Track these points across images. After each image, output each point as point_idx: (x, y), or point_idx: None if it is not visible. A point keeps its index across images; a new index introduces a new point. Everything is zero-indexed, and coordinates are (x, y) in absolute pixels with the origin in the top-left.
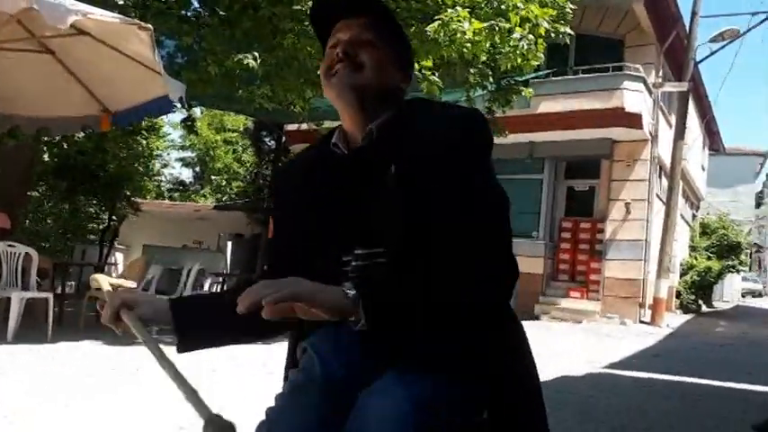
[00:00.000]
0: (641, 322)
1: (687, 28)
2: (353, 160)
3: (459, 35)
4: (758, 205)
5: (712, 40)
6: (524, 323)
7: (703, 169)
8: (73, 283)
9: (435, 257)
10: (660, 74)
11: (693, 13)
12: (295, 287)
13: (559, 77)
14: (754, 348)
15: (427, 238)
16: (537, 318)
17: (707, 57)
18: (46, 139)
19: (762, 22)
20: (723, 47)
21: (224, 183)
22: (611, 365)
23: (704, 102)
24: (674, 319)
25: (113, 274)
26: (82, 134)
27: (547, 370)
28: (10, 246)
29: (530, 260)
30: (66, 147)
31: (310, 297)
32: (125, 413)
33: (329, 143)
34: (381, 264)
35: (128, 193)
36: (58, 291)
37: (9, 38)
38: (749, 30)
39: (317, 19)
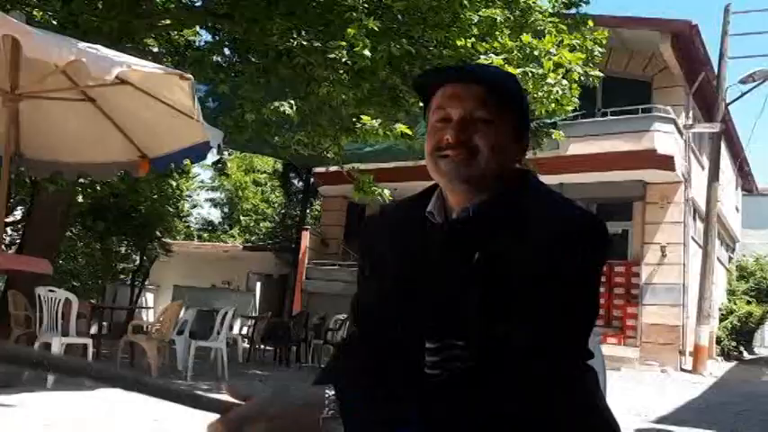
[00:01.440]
0: (682, 370)
1: (716, 69)
2: (446, 236)
3: None
4: None
5: (742, 81)
6: None
7: (737, 210)
8: (105, 323)
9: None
10: (690, 115)
11: (721, 55)
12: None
13: (588, 119)
14: None
15: (501, 338)
16: None
17: (737, 98)
18: (81, 180)
19: None
20: (754, 87)
21: (252, 223)
22: (661, 419)
23: (736, 142)
24: (717, 367)
25: (145, 317)
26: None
27: None
28: (51, 291)
29: None
30: (99, 189)
31: None
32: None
33: (422, 204)
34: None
35: (159, 234)
36: (93, 332)
37: (53, 87)
38: None
39: (420, 87)
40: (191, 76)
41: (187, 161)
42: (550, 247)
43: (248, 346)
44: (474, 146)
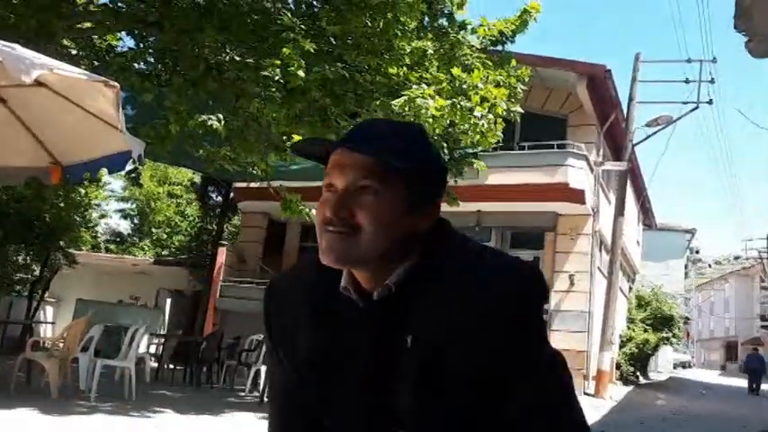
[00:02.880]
0: (585, 394)
1: (625, 111)
2: (367, 318)
3: (423, 111)
4: (685, 277)
5: (648, 125)
6: None
7: (638, 244)
8: None
9: None
10: (600, 153)
11: (630, 99)
12: None
13: (507, 152)
14: (697, 423)
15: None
16: None
17: (643, 140)
18: None
19: (692, 110)
20: (658, 131)
21: (165, 236)
22: None
23: (639, 180)
24: (616, 391)
25: (42, 333)
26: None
27: None
28: None
29: None
30: None
31: None
32: None
33: (327, 276)
34: None
35: (63, 244)
36: None
37: None
38: (681, 117)
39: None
40: (117, 84)
41: (103, 170)
42: (488, 304)
43: (156, 365)
44: (356, 223)
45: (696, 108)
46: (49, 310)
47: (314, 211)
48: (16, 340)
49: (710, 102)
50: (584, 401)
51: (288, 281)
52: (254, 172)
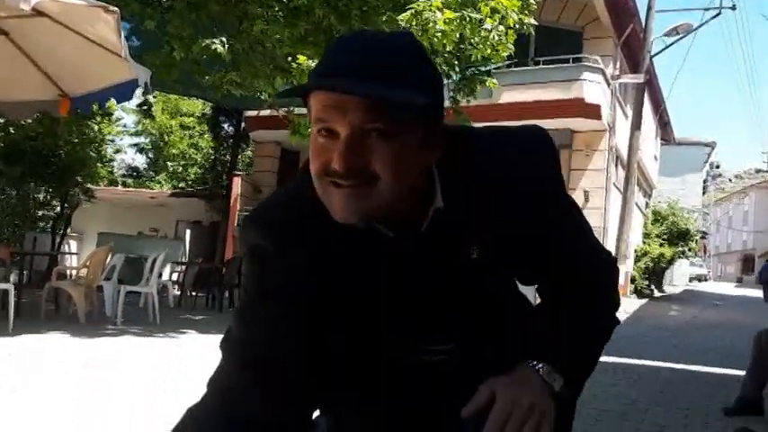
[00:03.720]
0: None
1: (643, 22)
2: (417, 246)
3: (431, 25)
4: (704, 193)
5: (667, 34)
6: None
7: (656, 159)
8: (25, 272)
9: (576, 298)
10: (617, 66)
11: (649, 8)
12: (543, 413)
13: (521, 68)
14: (706, 331)
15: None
16: None
17: (661, 50)
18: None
19: (714, 17)
20: (677, 41)
21: (180, 169)
22: None
23: (658, 94)
24: (630, 304)
25: (69, 264)
26: (30, 119)
27: None
28: None
29: None
30: (13, 131)
31: (550, 415)
32: (95, 404)
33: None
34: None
35: (80, 180)
36: (13, 280)
37: None
38: (702, 24)
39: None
40: (116, 9)
41: (111, 101)
42: (525, 182)
43: (179, 292)
44: (372, 172)
45: (718, 14)
46: (73, 244)
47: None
48: (43, 272)
49: (734, 7)
50: None
51: (286, 214)
52: (262, 98)
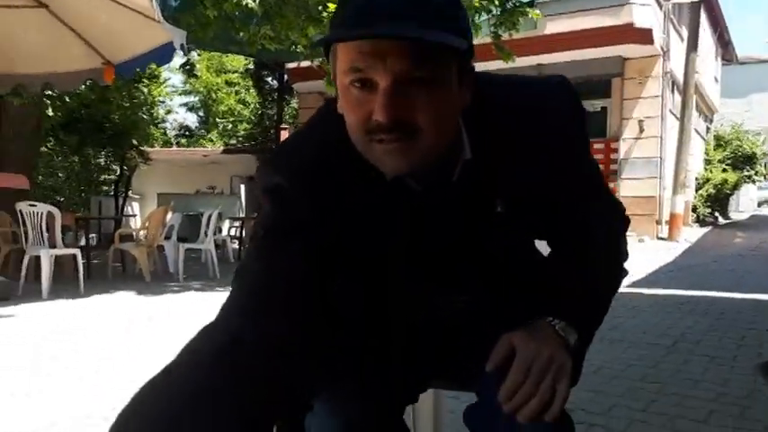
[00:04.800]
0: (659, 238)
1: None
2: (445, 197)
3: None
4: None
5: None
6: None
7: (716, 81)
8: (94, 235)
9: (587, 253)
10: None
11: None
12: (562, 365)
13: None
14: None
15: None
16: None
17: None
18: (48, 93)
19: None
20: None
21: (230, 126)
22: (633, 284)
23: (716, 11)
24: (692, 233)
25: (133, 225)
26: (83, 87)
27: None
28: (31, 205)
29: None
30: (69, 100)
31: (568, 368)
32: (159, 352)
33: (353, 159)
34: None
35: (135, 143)
36: (82, 243)
37: None
38: None
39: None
40: None
41: (153, 65)
42: (549, 137)
43: (238, 246)
44: (414, 125)
45: None
46: (135, 206)
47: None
48: (110, 235)
49: None
50: (657, 246)
51: (307, 158)
52: (298, 50)
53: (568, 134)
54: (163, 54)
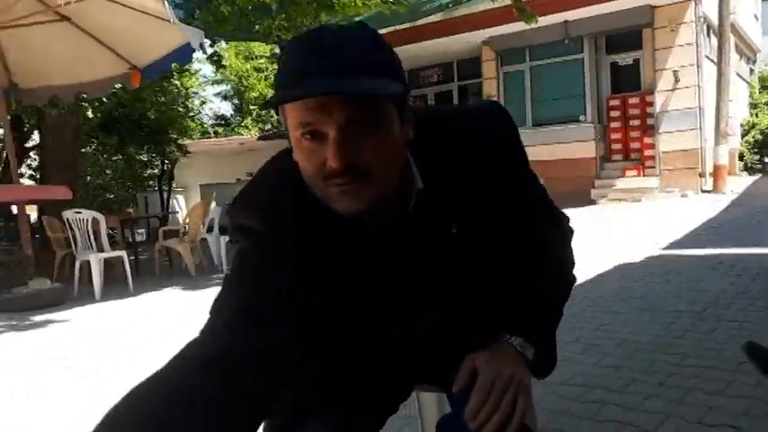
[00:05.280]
0: (703, 192)
1: None
2: (404, 224)
3: None
4: None
5: None
6: (581, 210)
7: (757, 19)
8: (143, 230)
9: (536, 267)
10: None
11: None
12: (521, 381)
13: None
14: None
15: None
16: (594, 202)
17: None
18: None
19: None
20: None
21: (263, 112)
22: (672, 245)
23: None
24: (739, 183)
25: (181, 220)
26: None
27: (606, 261)
28: (77, 212)
29: (580, 145)
30: (106, 101)
31: (528, 382)
32: None
33: (307, 200)
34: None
35: (174, 137)
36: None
37: (24, 13)
38: None
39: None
40: None
41: (175, 65)
42: (484, 160)
43: None
44: (364, 167)
45: None
46: (180, 198)
47: None
48: (157, 230)
49: None
50: (701, 200)
51: (273, 196)
52: None
53: (504, 150)
54: (183, 54)
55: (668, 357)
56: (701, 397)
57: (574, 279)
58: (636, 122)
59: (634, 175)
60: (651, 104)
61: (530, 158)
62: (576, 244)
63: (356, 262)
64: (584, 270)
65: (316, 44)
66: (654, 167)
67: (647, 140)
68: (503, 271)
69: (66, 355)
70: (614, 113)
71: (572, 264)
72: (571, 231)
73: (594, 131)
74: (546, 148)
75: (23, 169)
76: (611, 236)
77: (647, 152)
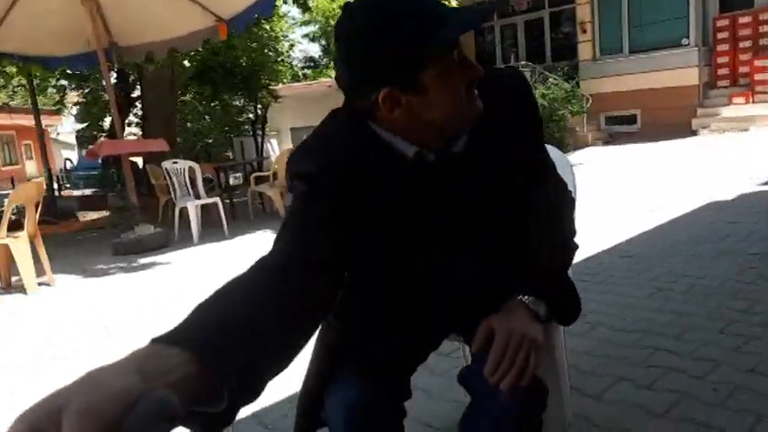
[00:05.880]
0: None
1: None
2: (453, 166)
3: None
4: None
5: None
6: (680, 141)
7: None
8: (240, 174)
9: (546, 224)
10: None
11: None
12: (533, 339)
13: None
14: None
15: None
16: (695, 133)
17: None
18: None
19: None
20: None
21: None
22: None
23: None
24: None
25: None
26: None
27: (697, 198)
28: (174, 162)
29: (680, 72)
30: (201, 50)
31: (540, 338)
32: None
33: (367, 141)
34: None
35: (266, 81)
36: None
37: None
38: None
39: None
40: None
41: (263, 16)
42: (512, 115)
43: None
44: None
45: None
46: (273, 142)
47: None
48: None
49: None
50: None
51: (330, 144)
52: None
53: (524, 112)
54: (265, 6)
55: (735, 303)
56: (760, 346)
57: (576, 246)
58: (746, 44)
59: (742, 103)
60: (766, 23)
61: (626, 88)
62: (668, 181)
63: (407, 201)
64: (670, 209)
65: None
66: (765, 93)
67: (759, 63)
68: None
69: (168, 296)
70: (722, 35)
71: (574, 232)
72: (573, 201)
73: (698, 56)
74: (644, 76)
75: (131, 117)
76: (707, 170)
77: (758, 76)
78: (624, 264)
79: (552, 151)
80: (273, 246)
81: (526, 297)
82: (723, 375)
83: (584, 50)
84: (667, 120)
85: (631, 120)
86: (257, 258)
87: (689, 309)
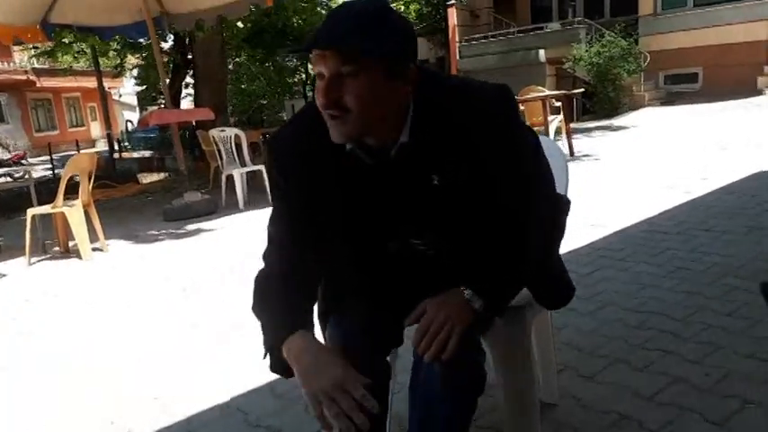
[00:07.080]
0: None
1: None
2: (389, 169)
3: None
4: None
5: None
6: (744, 101)
7: None
8: None
9: (521, 234)
10: None
11: None
12: (455, 324)
13: None
14: None
15: (480, 226)
16: (761, 92)
17: None
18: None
19: None
20: None
21: (402, 7)
22: None
23: None
24: None
25: None
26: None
27: (745, 166)
28: (221, 131)
29: (747, 26)
30: (252, 8)
31: (462, 325)
32: None
33: (324, 139)
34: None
35: None
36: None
37: None
38: None
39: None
40: None
41: None
42: (484, 131)
43: None
44: (344, 105)
45: None
46: None
47: None
48: None
49: None
50: None
51: (299, 138)
52: None
53: (495, 128)
54: None
55: (752, 285)
56: (766, 330)
57: (547, 255)
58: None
59: None
60: None
61: (688, 45)
62: (721, 146)
63: (351, 195)
64: (710, 180)
65: (336, 11)
66: None
67: None
68: (481, 229)
69: (211, 263)
70: None
71: (542, 245)
72: (551, 216)
73: (766, 9)
74: (708, 31)
75: (188, 79)
76: (765, 135)
77: None
78: (650, 239)
79: (545, 141)
80: (265, 263)
81: (466, 291)
82: (719, 360)
83: (645, 4)
84: (731, 78)
85: (692, 78)
86: (258, 275)
87: (702, 289)
